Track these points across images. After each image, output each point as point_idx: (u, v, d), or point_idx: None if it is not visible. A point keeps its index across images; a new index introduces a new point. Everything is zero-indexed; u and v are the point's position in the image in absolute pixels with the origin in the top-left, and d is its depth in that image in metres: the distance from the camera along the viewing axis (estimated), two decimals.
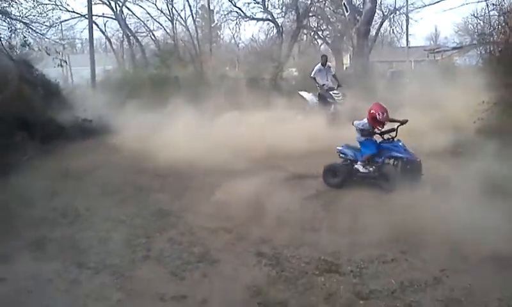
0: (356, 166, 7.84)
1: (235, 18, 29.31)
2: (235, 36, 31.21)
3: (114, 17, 27.71)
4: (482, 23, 14.73)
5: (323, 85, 13.97)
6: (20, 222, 6.20)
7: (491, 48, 15.54)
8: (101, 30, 29.00)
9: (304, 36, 30.83)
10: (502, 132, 9.79)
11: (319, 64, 14.55)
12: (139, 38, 28.59)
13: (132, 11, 28.37)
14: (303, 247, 5.21)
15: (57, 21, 19.80)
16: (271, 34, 29.76)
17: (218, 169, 8.27)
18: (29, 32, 13.84)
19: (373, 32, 26.50)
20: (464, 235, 5.03)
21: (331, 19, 28.73)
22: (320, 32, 30.29)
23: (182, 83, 19.48)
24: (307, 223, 5.97)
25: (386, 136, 7.75)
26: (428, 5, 26.25)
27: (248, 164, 8.55)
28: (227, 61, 29.43)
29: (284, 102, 14.84)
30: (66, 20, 25.46)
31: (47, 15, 18.25)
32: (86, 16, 21.63)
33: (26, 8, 14.12)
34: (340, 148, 8.15)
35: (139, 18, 28.62)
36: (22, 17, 13.37)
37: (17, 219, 6.32)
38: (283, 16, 29.10)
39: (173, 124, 10.92)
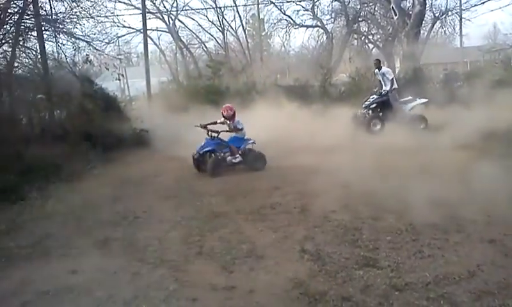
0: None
1: (285, 26, 29.80)
2: (285, 44, 31.65)
3: (167, 30, 28.90)
4: None
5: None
6: (88, 223, 6.90)
7: None
8: (155, 43, 30.37)
9: (355, 40, 30.83)
10: None
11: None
12: (191, 49, 29.67)
13: (184, 24, 29.52)
14: (344, 244, 5.54)
15: (114, 37, 20.99)
16: (321, 41, 30.01)
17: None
18: (90, 49, 14.86)
19: (424, 34, 26.20)
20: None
21: (381, 23, 28.60)
22: (370, 37, 30.21)
23: (233, 93, 20.06)
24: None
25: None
26: (481, 3, 25.71)
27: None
28: (278, 69, 29.94)
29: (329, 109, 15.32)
30: (122, 36, 26.96)
31: (106, 32, 19.42)
32: (141, 30, 22.72)
33: (88, 28, 15.19)
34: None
35: (191, 30, 29.76)
36: (84, 36, 14.39)
37: (85, 221, 7.03)
38: (333, 22, 29.32)
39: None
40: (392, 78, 14.23)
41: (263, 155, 10.11)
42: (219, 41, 29.52)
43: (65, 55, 14.31)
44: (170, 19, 28.46)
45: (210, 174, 9.62)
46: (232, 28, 29.39)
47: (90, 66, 16.77)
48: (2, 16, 11.54)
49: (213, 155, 9.98)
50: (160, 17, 28.11)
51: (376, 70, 14.73)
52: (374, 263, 4.93)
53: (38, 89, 13.43)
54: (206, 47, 30.04)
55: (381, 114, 14.14)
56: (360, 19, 28.51)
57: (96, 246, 5.94)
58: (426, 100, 14.64)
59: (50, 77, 13.80)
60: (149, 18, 25.12)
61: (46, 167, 9.94)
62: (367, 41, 30.71)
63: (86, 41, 14.38)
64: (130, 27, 27.07)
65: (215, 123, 10.30)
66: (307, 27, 29.72)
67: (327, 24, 29.10)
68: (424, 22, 24.23)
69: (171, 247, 5.77)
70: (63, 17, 13.59)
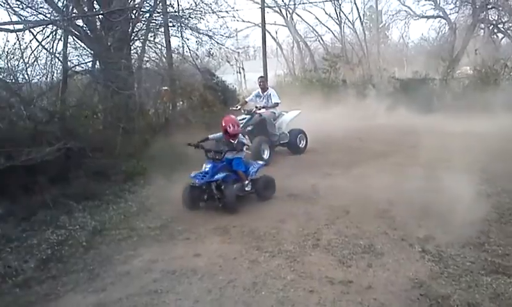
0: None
1: (404, 17, 28.77)
2: (403, 36, 30.55)
3: (285, 24, 29.32)
4: None
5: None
6: (210, 211, 7.21)
7: None
8: (273, 37, 30.90)
9: (482, 30, 28.74)
10: None
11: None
12: (308, 42, 29.78)
13: (301, 17, 29.74)
14: (468, 246, 5.25)
15: (234, 31, 21.62)
16: (443, 32, 28.47)
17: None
18: (211, 43, 15.46)
19: None
20: None
21: None
22: (500, 25, 27.95)
23: (350, 86, 19.84)
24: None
25: None
26: None
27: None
28: (395, 62, 28.98)
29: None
30: (241, 30, 27.83)
31: (226, 26, 20.10)
32: (260, 25, 23.17)
33: (210, 23, 15.86)
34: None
35: (308, 24, 29.88)
36: (207, 31, 15.03)
37: (207, 209, 7.35)
38: (457, 12, 27.63)
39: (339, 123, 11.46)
40: (278, 103, 11.51)
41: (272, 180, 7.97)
42: (336, 34, 29.32)
43: (189, 49, 15.06)
44: (288, 13, 28.84)
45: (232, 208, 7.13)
46: (349, 21, 29.03)
47: (210, 60, 17.52)
48: (136, 14, 12.44)
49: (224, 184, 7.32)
50: (278, 11, 28.57)
51: (258, 92, 11.80)
52: (505, 270, 4.62)
53: (163, 82, 14.31)
54: (322, 39, 30.03)
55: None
56: (488, 6, 26.47)
57: (217, 232, 6.23)
58: (299, 111, 12.05)
59: (174, 70, 14.62)
60: (267, 13, 25.57)
61: (171, 155, 10.57)
62: (495, 30, 28.43)
63: (208, 36, 14.98)
64: (249, 22, 27.88)
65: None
66: (428, 17, 28.34)
67: (450, 14, 27.50)
68: None
69: (287, 238, 5.87)
70: (188, 13, 14.29)
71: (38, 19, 10.12)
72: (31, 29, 9.60)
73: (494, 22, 27.57)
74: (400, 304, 4.11)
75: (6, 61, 9.57)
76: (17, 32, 9.59)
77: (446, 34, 27.83)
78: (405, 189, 7.54)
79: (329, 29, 29.72)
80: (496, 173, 8.03)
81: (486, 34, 28.43)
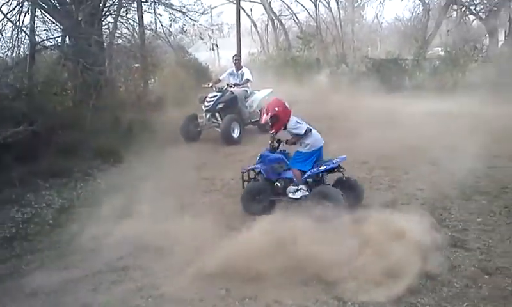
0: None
1: None
2: (378, 16, 30.67)
3: (259, 1, 29.12)
4: None
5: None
6: (177, 187, 7.22)
7: None
8: (247, 14, 30.69)
9: (454, 12, 29.02)
10: None
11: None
12: (282, 21, 29.67)
13: None
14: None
15: (208, 8, 21.35)
16: (417, 12, 28.63)
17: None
18: (185, 20, 15.29)
19: None
20: None
21: None
22: (472, 7, 28.26)
23: (323, 65, 19.92)
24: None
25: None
26: None
27: None
28: (369, 42, 29.16)
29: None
30: (215, 7, 27.58)
31: (200, 3, 19.88)
32: (234, 1, 22.95)
33: None
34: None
35: (283, 1, 29.71)
36: (180, 7, 14.87)
37: (175, 185, 7.34)
38: None
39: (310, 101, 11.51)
40: (248, 80, 11.36)
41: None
42: (311, 13, 29.28)
43: (162, 25, 14.90)
44: None
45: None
46: None
47: (183, 37, 17.37)
48: None
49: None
50: None
51: (232, 70, 11.56)
52: (463, 244, 4.77)
53: (134, 58, 14.12)
54: (297, 18, 29.95)
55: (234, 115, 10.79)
56: None
57: (185, 210, 6.15)
58: (271, 90, 11.64)
59: (146, 47, 14.44)
60: None
61: (141, 132, 10.50)
62: (467, 12, 28.74)
63: (182, 12, 14.84)
64: None
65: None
66: None
67: None
68: None
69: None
70: None
71: None
72: None
73: (466, 4, 27.81)
74: None
75: None
76: None
77: (420, 15, 28.00)
78: (371, 167, 7.72)
79: (304, 7, 29.68)
80: (459, 152, 8.10)
81: (459, 15, 28.68)
